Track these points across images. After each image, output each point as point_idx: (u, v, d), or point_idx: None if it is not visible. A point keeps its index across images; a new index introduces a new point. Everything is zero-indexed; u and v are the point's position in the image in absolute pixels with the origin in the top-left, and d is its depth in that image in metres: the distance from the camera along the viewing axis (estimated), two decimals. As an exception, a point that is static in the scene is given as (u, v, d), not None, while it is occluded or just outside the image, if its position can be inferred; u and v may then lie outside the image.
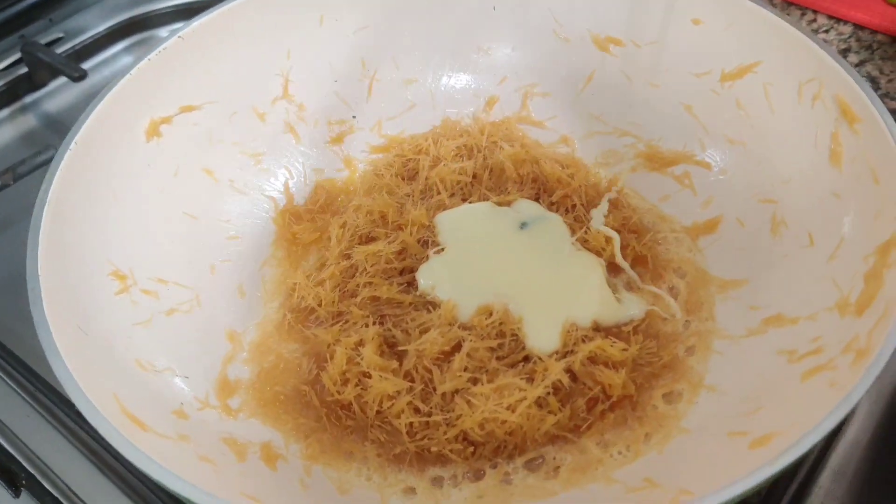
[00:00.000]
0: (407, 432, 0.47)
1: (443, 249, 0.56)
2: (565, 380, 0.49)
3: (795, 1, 0.80)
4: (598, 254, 0.56)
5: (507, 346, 0.51)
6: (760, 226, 0.54)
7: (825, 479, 0.49)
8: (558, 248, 0.57)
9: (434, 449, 0.47)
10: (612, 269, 0.56)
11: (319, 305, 0.54)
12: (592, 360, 0.50)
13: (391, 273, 0.55)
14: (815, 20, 0.79)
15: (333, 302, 0.54)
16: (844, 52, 0.75)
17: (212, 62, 0.60)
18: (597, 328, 0.53)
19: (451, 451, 0.47)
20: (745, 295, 0.53)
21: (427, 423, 0.48)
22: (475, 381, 0.48)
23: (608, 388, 0.49)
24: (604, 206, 0.59)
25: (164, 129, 0.57)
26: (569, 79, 0.65)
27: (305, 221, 0.60)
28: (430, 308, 0.53)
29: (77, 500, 0.52)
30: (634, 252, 0.57)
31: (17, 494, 0.52)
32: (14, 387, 0.57)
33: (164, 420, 0.45)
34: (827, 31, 0.77)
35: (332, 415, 0.49)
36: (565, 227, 0.58)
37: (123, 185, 0.54)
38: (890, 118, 0.47)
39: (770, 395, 0.45)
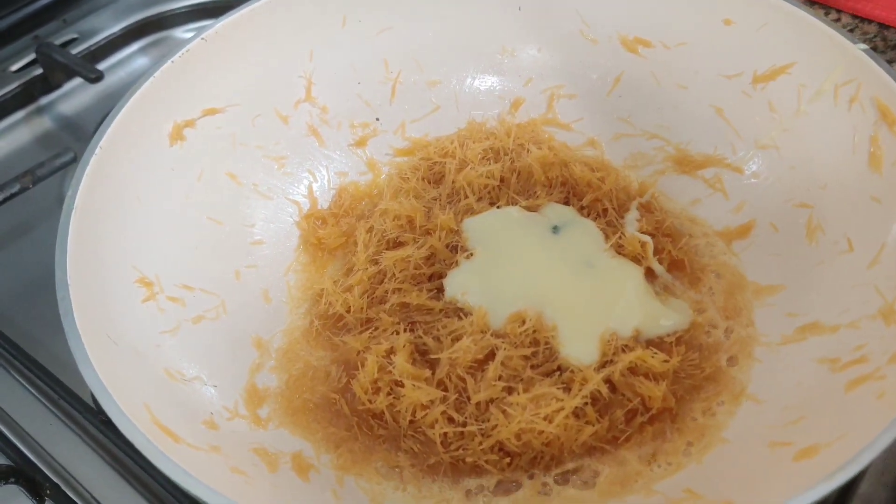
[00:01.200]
0: (441, 442, 0.47)
1: (471, 254, 0.55)
2: (604, 390, 0.48)
3: (821, 1, 0.79)
4: (635, 260, 0.56)
5: (541, 355, 0.50)
6: (796, 231, 0.53)
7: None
8: (593, 254, 0.56)
9: (469, 459, 0.46)
10: (648, 274, 0.55)
11: (348, 312, 0.53)
12: (632, 370, 0.49)
13: (420, 279, 0.54)
14: (839, 20, 0.78)
15: (362, 308, 0.53)
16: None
17: (234, 64, 0.59)
18: (637, 338, 0.51)
19: (486, 461, 0.46)
20: (782, 301, 0.52)
21: (462, 433, 0.47)
22: (510, 391, 0.48)
23: (648, 401, 0.48)
24: (634, 211, 0.59)
25: (188, 133, 0.57)
26: (596, 80, 0.64)
27: (330, 226, 0.59)
28: (462, 315, 0.52)
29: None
30: (670, 257, 0.56)
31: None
32: (36, 394, 0.57)
33: (195, 431, 0.44)
34: (852, 31, 0.76)
35: (364, 424, 0.49)
36: (599, 233, 0.57)
37: (148, 190, 0.53)
38: (935, 119, 0.46)
39: (812, 405, 0.44)
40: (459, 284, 0.53)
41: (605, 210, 0.58)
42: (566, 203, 0.59)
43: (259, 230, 0.59)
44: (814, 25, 0.53)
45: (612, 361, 0.49)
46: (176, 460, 0.38)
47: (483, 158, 0.60)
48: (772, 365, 0.50)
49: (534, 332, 0.50)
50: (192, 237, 0.55)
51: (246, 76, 0.60)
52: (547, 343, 0.50)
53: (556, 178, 0.59)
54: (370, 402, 0.48)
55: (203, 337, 0.51)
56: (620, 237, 0.56)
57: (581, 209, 0.58)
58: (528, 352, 0.49)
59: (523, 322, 0.50)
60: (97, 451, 0.54)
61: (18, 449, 0.53)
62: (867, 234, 0.49)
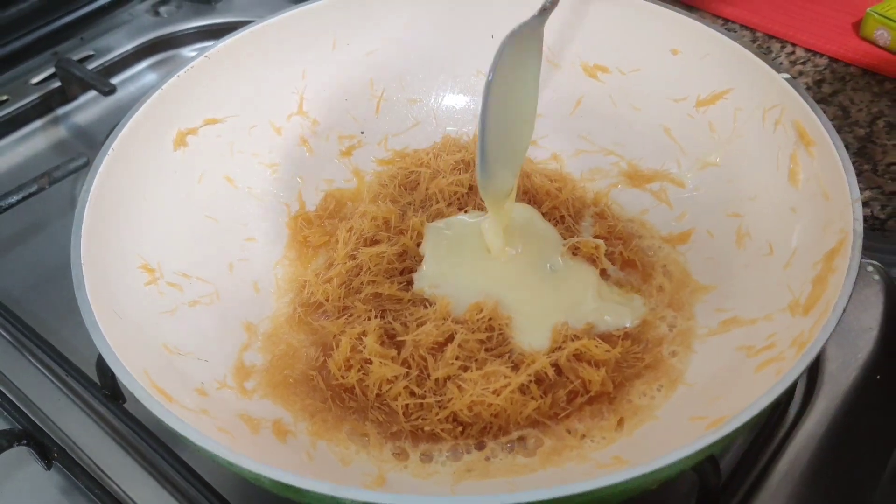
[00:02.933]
0: (403, 413, 0.53)
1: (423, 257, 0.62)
2: (550, 372, 0.54)
3: (776, 34, 0.86)
4: (590, 260, 0.62)
5: (495, 339, 0.56)
6: (728, 237, 0.60)
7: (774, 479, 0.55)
8: (551, 255, 0.62)
9: (427, 428, 0.52)
10: (602, 273, 0.62)
11: (327, 300, 0.59)
12: (578, 357, 0.55)
13: (392, 273, 0.61)
14: (793, 52, 0.85)
15: (339, 297, 0.59)
16: (819, 83, 0.81)
17: (234, 80, 0.66)
18: (589, 331, 0.58)
19: (442, 430, 0.52)
20: (713, 299, 0.58)
21: (421, 404, 0.53)
22: (465, 369, 0.54)
23: (588, 384, 0.54)
24: (589, 219, 0.65)
25: (190, 140, 0.63)
26: (560, 102, 0.71)
27: (315, 226, 0.66)
28: (427, 305, 0.58)
29: (103, 475, 0.57)
30: (623, 257, 0.63)
31: (48, 466, 0.58)
32: (46, 372, 0.62)
33: (188, 395, 0.50)
34: (804, 63, 0.83)
35: (337, 397, 0.55)
36: (557, 236, 0.63)
37: (153, 188, 0.60)
38: (840, 142, 0.53)
39: (729, 385, 0.51)
40: (426, 278, 0.60)
41: (563, 217, 0.65)
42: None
43: (252, 228, 0.65)
44: (747, 57, 0.60)
45: (560, 348, 0.56)
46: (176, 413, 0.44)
47: (454, 169, 0.67)
48: (702, 354, 0.56)
49: (489, 319, 0.57)
50: (191, 232, 0.62)
51: (244, 91, 0.67)
52: (500, 330, 0.56)
53: (519, 187, 0.65)
54: (343, 377, 0.55)
55: (198, 319, 0.58)
56: (576, 241, 0.63)
57: (542, 216, 0.65)
58: (483, 336, 0.56)
59: (480, 311, 0.57)
60: (100, 425, 0.59)
61: (29, 418, 0.59)
62: (784, 239, 0.55)
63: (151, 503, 0.55)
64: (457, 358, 0.54)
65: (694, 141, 0.65)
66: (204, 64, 0.64)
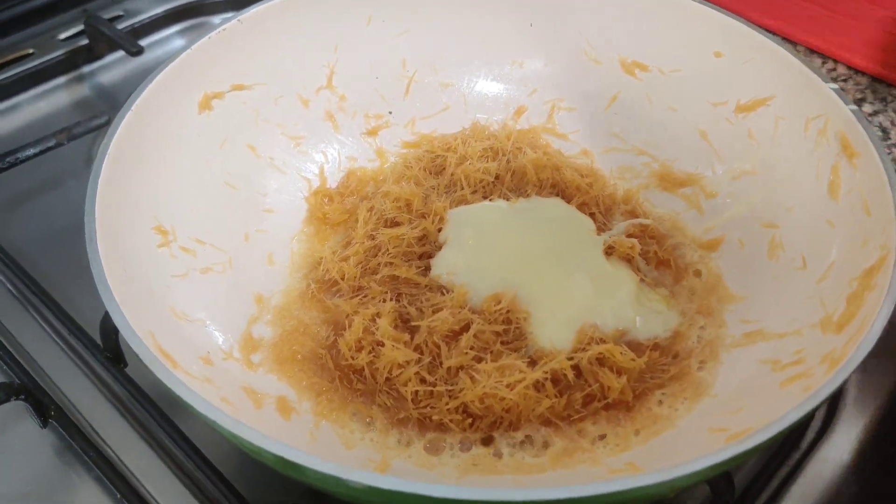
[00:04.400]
0: (412, 399, 0.51)
1: (443, 244, 0.60)
2: (569, 373, 0.52)
3: (817, 49, 0.84)
4: (626, 259, 0.60)
5: (511, 333, 0.54)
6: (759, 248, 0.58)
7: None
8: (586, 252, 0.60)
9: (435, 417, 0.51)
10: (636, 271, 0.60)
11: (342, 279, 0.58)
12: (600, 361, 0.53)
13: (411, 256, 0.59)
14: (834, 69, 0.83)
15: (355, 277, 0.58)
16: (860, 102, 0.79)
17: (265, 47, 0.65)
18: (619, 338, 0.56)
19: (450, 420, 0.50)
20: (739, 309, 0.56)
21: (431, 392, 0.51)
22: (479, 360, 0.52)
23: (607, 390, 0.52)
24: (619, 217, 0.64)
25: (216, 104, 0.62)
26: (594, 97, 0.69)
27: (336, 203, 0.64)
28: (444, 292, 0.57)
29: (98, 439, 0.56)
30: (657, 256, 0.61)
31: (44, 424, 0.56)
32: (49, 331, 0.61)
33: (193, 362, 0.49)
34: (845, 81, 0.81)
35: (345, 378, 0.53)
36: (594, 232, 0.61)
37: (174, 150, 0.58)
38: (885, 154, 0.51)
39: (752, 398, 0.49)
40: (445, 264, 0.58)
41: (593, 213, 0.63)
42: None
43: (271, 199, 0.64)
44: (793, 64, 0.58)
45: (584, 350, 0.54)
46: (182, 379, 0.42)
47: (482, 156, 0.65)
48: (728, 364, 0.54)
49: (507, 311, 0.55)
50: (209, 198, 0.60)
51: (274, 60, 0.66)
52: (518, 324, 0.55)
53: (547, 179, 0.64)
54: (353, 358, 0.53)
55: (209, 286, 0.56)
56: (612, 238, 0.61)
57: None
58: (499, 328, 0.54)
59: (498, 302, 0.55)
60: (100, 388, 0.58)
61: (29, 374, 0.58)
62: (819, 253, 0.53)
63: (146, 470, 0.54)
64: (471, 348, 0.53)
65: (731, 147, 0.63)
66: (236, 28, 0.63)
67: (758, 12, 0.87)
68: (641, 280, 0.59)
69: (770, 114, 0.60)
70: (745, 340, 0.54)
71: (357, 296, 0.57)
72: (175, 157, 0.58)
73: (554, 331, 0.55)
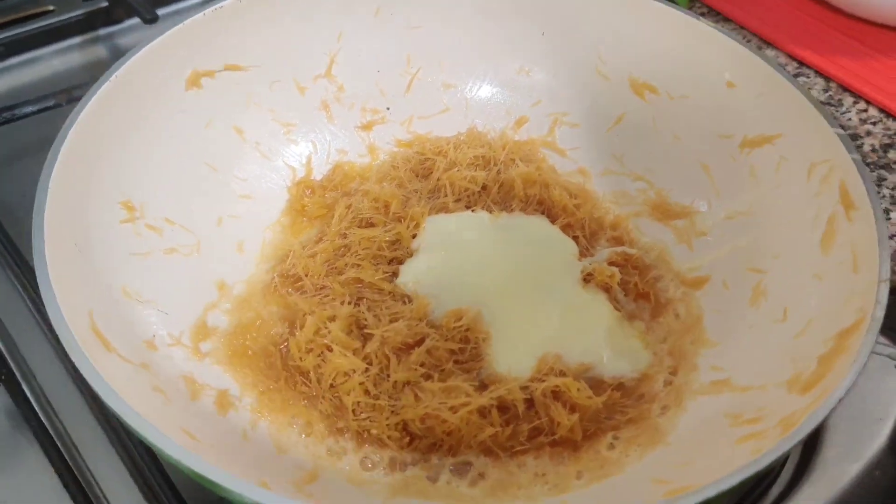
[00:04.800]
0: (353, 410, 0.50)
1: (415, 251, 0.58)
2: (520, 403, 0.50)
3: (851, 87, 0.80)
4: (605, 287, 0.58)
5: (468, 353, 0.52)
6: (743, 293, 0.55)
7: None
8: (561, 277, 0.58)
9: (374, 431, 0.49)
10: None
11: (306, 276, 0.56)
12: (555, 394, 0.51)
13: (380, 260, 0.57)
14: (866, 110, 0.79)
15: (319, 275, 0.56)
16: (887, 148, 0.75)
17: (265, 29, 0.63)
18: (582, 371, 0.53)
19: (388, 436, 0.49)
20: (713, 354, 0.54)
21: (374, 405, 0.50)
22: (428, 377, 0.50)
23: (555, 426, 0.50)
24: (605, 243, 0.61)
25: (205, 82, 0.61)
26: (599, 115, 0.66)
27: (317, 196, 0.62)
28: (407, 301, 0.55)
29: (47, 406, 0.55)
30: (637, 289, 0.58)
31: (-5, 385, 0.56)
32: (21, 291, 0.60)
33: (132, 346, 0.48)
34: (875, 123, 0.77)
35: (291, 379, 0.52)
36: (576, 257, 0.59)
37: (153, 124, 0.57)
38: (881, 211, 0.48)
39: (704, 452, 0.46)
40: (413, 273, 0.56)
41: (577, 237, 0.61)
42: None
43: (250, 185, 0.62)
44: (803, 103, 0.55)
45: (541, 381, 0.51)
46: (97, 364, 0.41)
47: (472, 164, 0.63)
48: (689, 412, 0.51)
49: (466, 330, 0.53)
50: (185, 177, 0.59)
51: (274, 42, 0.64)
52: (476, 344, 0.53)
53: (535, 196, 0.61)
54: (301, 359, 0.52)
55: (170, 268, 0.55)
56: (591, 266, 0.58)
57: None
58: (455, 346, 0.52)
59: (459, 318, 0.53)
60: (59, 354, 0.57)
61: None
62: (801, 307, 0.50)
63: (88, 445, 0.53)
64: (422, 364, 0.51)
65: (730, 183, 0.60)
66: (235, 6, 0.61)
67: (794, 43, 0.84)
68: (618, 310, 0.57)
69: (775, 153, 0.57)
70: (711, 389, 0.51)
71: (318, 295, 0.55)
72: (154, 133, 0.57)
73: (513, 356, 0.52)
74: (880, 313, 0.43)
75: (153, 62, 0.57)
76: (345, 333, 0.52)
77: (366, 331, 0.53)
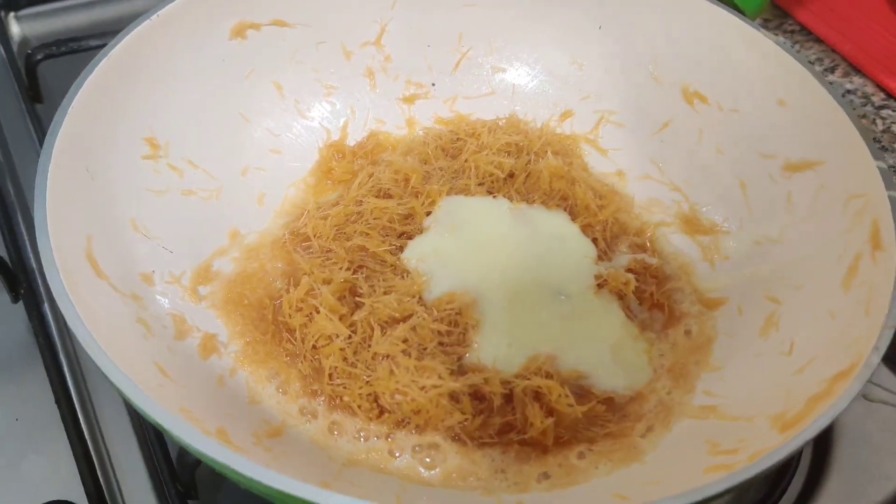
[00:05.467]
0: (329, 374, 0.49)
1: (426, 228, 0.57)
2: (497, 397, 0.49)
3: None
4: (619, 294, 0.56)
5: (455, 336, 0.51)
6: (755, 321, 0.52)
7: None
8: (575, 279, 0.56)
9: (346, 398, 0.49)
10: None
11: (315, 237, 0.56)
12: (536, 395, 0.49)
13: (389, 232, 0.57)
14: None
15: (327, 238, 0.56)
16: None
17: (319, -11, 0.63)
18: (573, 378, 0.51)
19: (359, 406, 0.48)
20: (710, 379, 0.51)
21: (349, 373, 0.49)
22: (408, 354, 0.50)
23: (528, 426, 0.48)
24: (625, 248, 0.59)
25: (251, 34, 0.61)
26: (646, 118, 0.64)
27: (346, 161, 0.62)
28: (406, 276, 0.54)
29: (62, 322, 0.57)
30: (652, 299, 0.56)
31: (15, 300, 0.58)
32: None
33: (128, 278, 0.49)
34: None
35: (278, 334, 0.52)
36: (592, 260, 0.57)
37: (191, 67, 0.58)
38: (903, 256, 0.44)
39: (673, 475, 0.44)
40: (419, 250, 0.56)
41: (595, 239, 0.59)
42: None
43: (281, 141, 0.63)
44: (849, 129, 0.51)
45: (526, 378, 0.50)
46: (83, 291, 0.42)
47: (502, 150, 0.62)
48: (675, 434, 0.49)
49: (457, 314, 0.52)
50: (216, 124, 0.60)
51: (326, 4, 0.64)
52: (465, 329, 0.52)
53: (559, 190, 0.60)
54: (290, 317, 0.52)
55: (185, 209, 0.56)
56: (606, 271, 0.57)
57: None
58: (442, 328, 0.51)
59: (451, 301, 0.52)
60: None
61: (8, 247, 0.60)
62: (809, 343, 0.47)
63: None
64: (404, 340, 0.50)
65: (766, 206, 0.57)
66: (290, -39, 0.62)
67: (886, 73, 0.79)
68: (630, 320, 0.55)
69: (815, 180, 0.54)
70: (699, 413, 0.49)
71: (323, 257, 0.55)
72: (191, 76, 0.58)
73: (501, 349, 0.51)
74: (875, 359, 0.40)
75: (199, 7, 0.58)
76: (336, 298, 0.52)
77: (358, 299, 0.53)
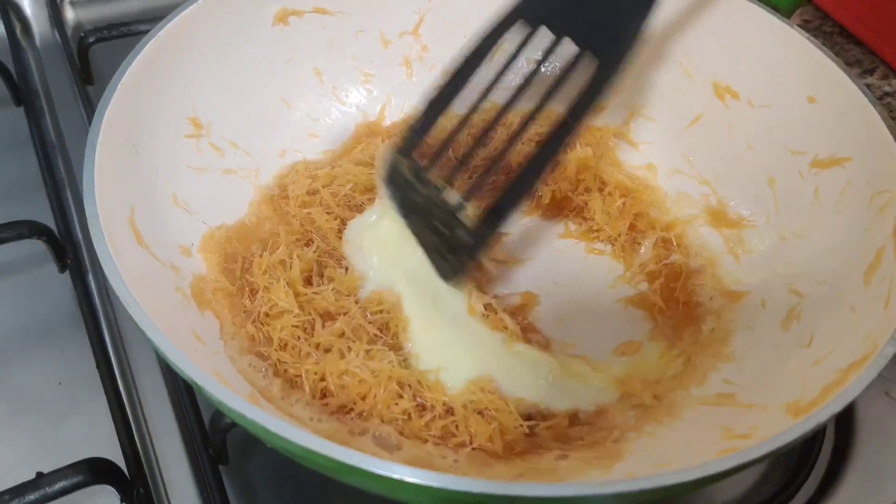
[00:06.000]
0: (278, 345, 0.51)
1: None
2: (439, 404, 0.49)
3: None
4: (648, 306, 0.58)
5: (388, 341, 0.53)
6: (777, 314, 0.53)
7: None
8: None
9: (291, 371, 0.50)
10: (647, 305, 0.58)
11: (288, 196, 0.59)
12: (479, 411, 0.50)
13: (351, 201, 0.60)
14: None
15: (298, 199, 0.59)
16: None
17: (359, -23, 0.65)
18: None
19: (305, 377, 0.49)
20: (729, 369, 0.52)
21: (298, 350, 0.51)
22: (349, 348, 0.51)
23: (473, 436, 0.48)
24: (648, 242, 0.60)
25: (293, 21, 0.63)
26: (677, 113, 0.65)
27: (379, 141, 0.64)
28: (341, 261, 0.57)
29: (105, 292, 0.60)
30: (674, 294, 0.58)
31: (62, 270, 0.61)
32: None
33: (167, 248, 0.51)
34: None
35: (242, 289, 0.54)
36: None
37: (236, 52, 0.60)
38: (925, 250, 0.45)
39: (685, 457, 0.45)
40: (357, 232, 0.57)
41: (613, 241, 0.60)
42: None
43: (320, 125, 0.65)
44: (879, 127, 0.52)
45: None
46: (125, 256, 0.44)
47: (530, 140, 0.63)
48: (687, 422, 0.50)
49: (388, 315, 0.53)
50: (257, 107, 0.62)
51: (366, -7, 0.66)
52: (395, 332, 0.53)
53: (583, 183, 0.61)
54: (256, 277, 0.54)
55: (225, 187, 0.58)
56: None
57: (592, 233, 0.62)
58: (373, 331, 0.52)
59: (380, 303, 0.54)
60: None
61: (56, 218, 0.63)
62: (829, 336, 0.48)
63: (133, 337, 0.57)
64: (342, 334, 0.51)
65: (793, 202, 0.57)
66: (333, -50, 0.64)
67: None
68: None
69: (842, 176, 0.54)
70: (716, 400, 0.49)
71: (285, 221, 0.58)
72: (235, 60, 0.60)
73: (441, 364, 0.51)
74: (891, 350, 0.41)
75: (244, -7, 0.60)
76: (301, 275, 0.54)
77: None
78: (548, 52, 0.50)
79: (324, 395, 0.49)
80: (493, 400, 0.49)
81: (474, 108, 0.53)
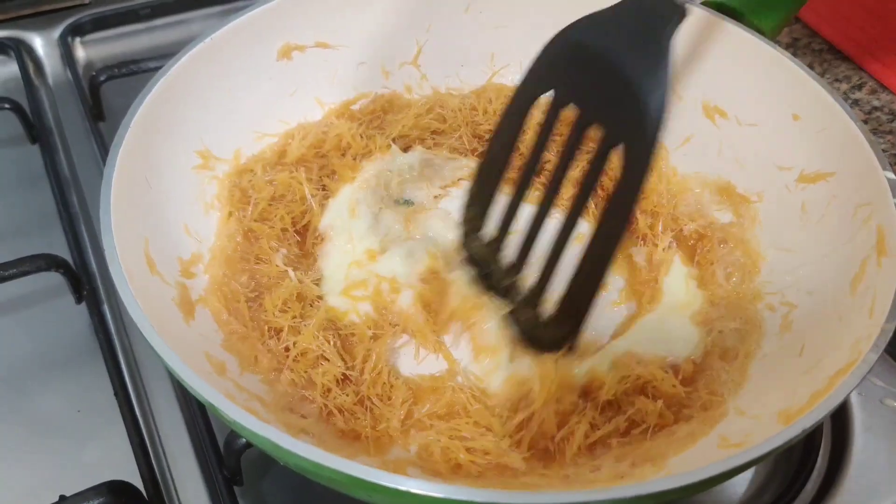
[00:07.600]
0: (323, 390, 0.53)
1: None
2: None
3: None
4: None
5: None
6: (770, 325, 0.55)
7: None
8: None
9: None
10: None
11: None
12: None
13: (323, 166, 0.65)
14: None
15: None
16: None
17: (359, 12, 0.68)
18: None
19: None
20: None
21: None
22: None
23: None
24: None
25: (296, 55, 0.66)
26: (669, 132, 0.66)
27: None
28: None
29: (121, 321, 0.62)
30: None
31: (79, 301, 0.63)
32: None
33: (175, 273, 0.53)
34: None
35: (260, 331, 0.56)
36: None
37: (242, 86, 0.63)
38: (906, 264, 0.47)
39: (681, 466, 0.47)
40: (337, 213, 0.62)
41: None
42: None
43: (325, 154, 0.67)
44: (859, 142, 0.54)
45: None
46: (144, 284, 0.47)
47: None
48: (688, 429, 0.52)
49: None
50: (263, 139, 0.64)
51: (366, 26, 0.68)
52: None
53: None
54: (274, 315, 0.56)
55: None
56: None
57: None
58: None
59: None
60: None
61: (73, 251, 0.65)
62: (819, 345, 0.50)
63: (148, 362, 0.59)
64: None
65: (780, 217, 0.59)
66: (332, -12, 0.66)
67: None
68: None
69: (826, 191, 0.56)
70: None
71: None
72: (241, 93, 0.63)
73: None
74: (873, 356, 0.43)
75: (249, 30, 0.62)
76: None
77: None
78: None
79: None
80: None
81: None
